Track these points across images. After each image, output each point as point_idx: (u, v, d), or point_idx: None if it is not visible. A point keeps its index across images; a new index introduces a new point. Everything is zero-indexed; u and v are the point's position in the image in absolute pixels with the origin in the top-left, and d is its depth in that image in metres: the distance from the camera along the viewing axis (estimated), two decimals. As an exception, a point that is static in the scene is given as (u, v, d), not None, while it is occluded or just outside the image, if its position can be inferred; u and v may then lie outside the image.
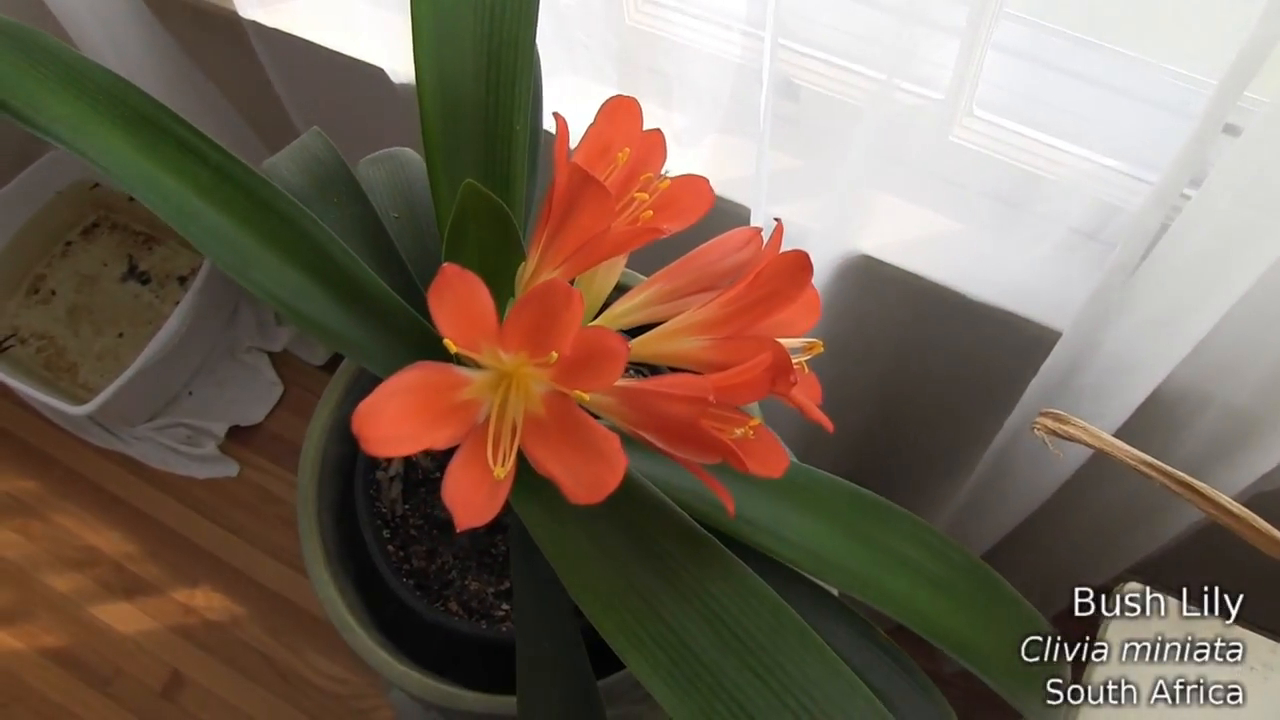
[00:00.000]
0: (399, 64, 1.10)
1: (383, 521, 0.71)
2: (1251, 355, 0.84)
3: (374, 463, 0.72)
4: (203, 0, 1.21)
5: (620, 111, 0.46)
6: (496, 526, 0.70)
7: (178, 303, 1.67)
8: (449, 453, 0.73)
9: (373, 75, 1.13)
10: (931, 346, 1.05)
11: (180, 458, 1.73)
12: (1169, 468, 0.47)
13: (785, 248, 0.95)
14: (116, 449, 1.75)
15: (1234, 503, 0.48)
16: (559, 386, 0.39)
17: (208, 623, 1.69)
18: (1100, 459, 0.96)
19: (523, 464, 0.41)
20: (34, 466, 1.79)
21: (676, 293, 0.48)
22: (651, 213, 0.45)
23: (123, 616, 1.70)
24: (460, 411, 0.40)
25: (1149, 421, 0.89)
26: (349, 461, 0.72)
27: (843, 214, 0.94)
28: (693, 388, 0.39)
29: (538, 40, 0.92)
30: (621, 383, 0.42)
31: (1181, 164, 0.72)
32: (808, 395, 0.46)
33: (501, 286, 0.47)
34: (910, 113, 0.91)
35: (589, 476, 0.38)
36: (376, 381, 0.75)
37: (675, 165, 1.00)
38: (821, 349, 0.46)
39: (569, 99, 1.00)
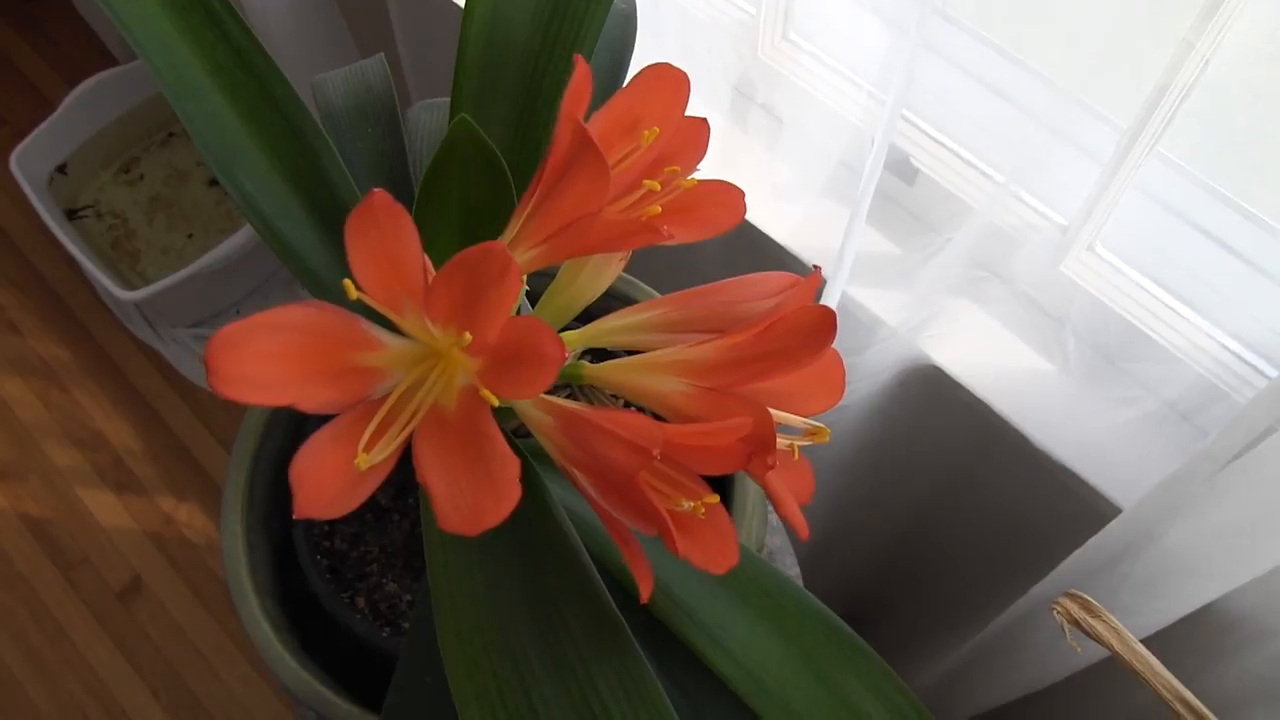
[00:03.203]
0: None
1: (320, 488, 0.64)
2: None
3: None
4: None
5: (663, 83, 0.39)
6: (437, 530, 0.63)
7: (253, 220, 1.65)
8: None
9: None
10: (978, 483, 0.95)
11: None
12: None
13: (847, 329, 0.87)
14: (152, 344, 1.74)
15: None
16: (477, 382, 0.32)
17: (183, 539, 1.65)
18: (1108, 667, 0.85)
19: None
20: (72, 337, 1.78)
21: (682, 324, 0.40)
22: (660, 210, 0.38)
23: (107, 508, 1.68)
24: (353, 376, 0.33)
25: (1189, 637, 0.78)
26: (294, 420, 0.66)
27: (923, 315, 0.85)
28: (639, 432, 0.31)
29: (655, 35, 0.86)
30: (567, 404, 0.35)
31: None
32: (794, 487, 0.38)
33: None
34: (1025, 228, 0.82)
35: (470, 500, 0.30)
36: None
37: (765, 218, 0.94)
38: (828, 438, 0.38)
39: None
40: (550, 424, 0.35)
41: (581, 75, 0.35)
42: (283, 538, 0.63)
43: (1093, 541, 0.79)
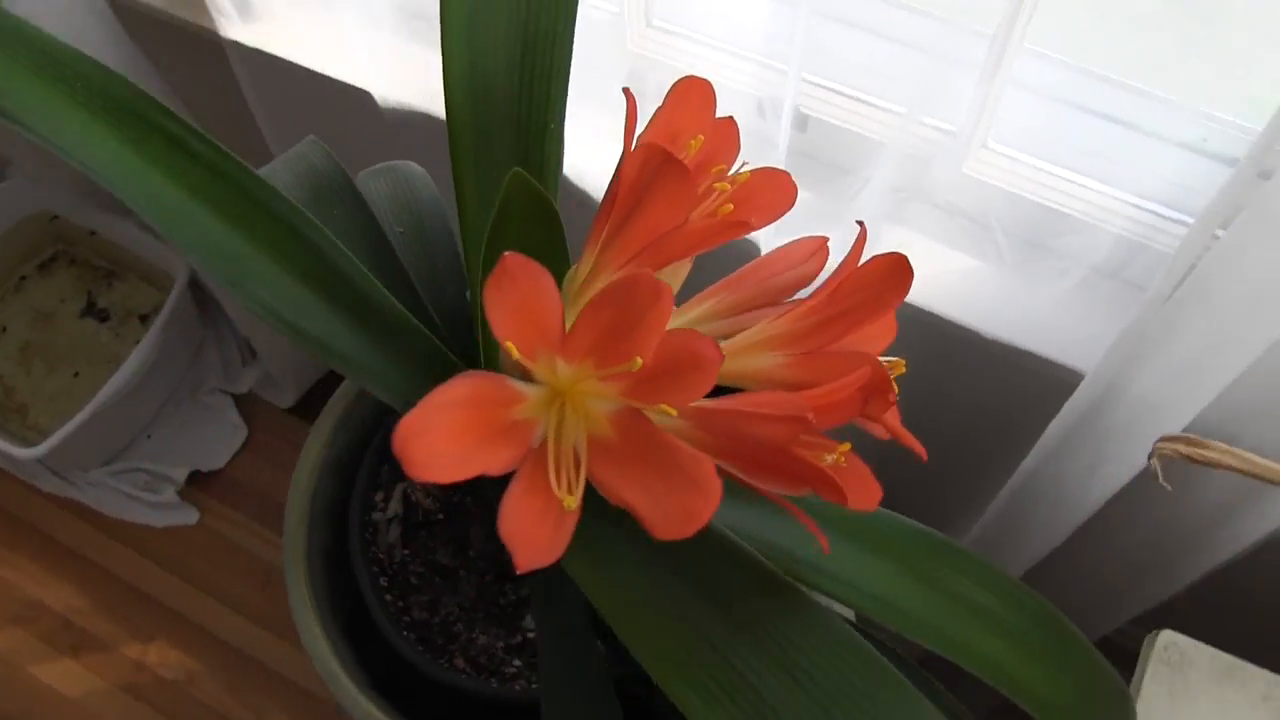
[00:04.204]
0: (387, 88, 1.06)
1: (380, 568, 0.64)
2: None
3: (369, 504, 0.65)
4: (180, 19, 1.15)
5: (692, 93, 0.41)
6: (506, 573, 0.64)
7: (138, 341, 1.59)
8: (451, 491, 0.67)
9: (358, 99, 1.08)
10: (944, 389, 1.01)
11: (137, 505, 1.64)
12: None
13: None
14: (69, 495, 1.66)
15: None
16: (632, 402, 0.34)
17: (161, 681, 1.59)
18: (1116, 504, 0.92)
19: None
20: (-24, 514, 1.69)
21: (738, 307, 0.43)
22: (732, 206, 0.40)
23: (68, 677, 1.59)
24: (516, 431, 0.34)
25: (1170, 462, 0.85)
26: (341, 502, 0.66)
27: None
28: (788, 406, 0.34)
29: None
30: (703, 403, 0.37)
31: (1219, 206, 0.70)
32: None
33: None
34: (927, 146, 0.88)
35: (676, 506, 0.33)
36: (371, 413, 0.69)
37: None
38: (904, 368, 0.41)
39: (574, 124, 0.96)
40: (682, 425, 0.37)
41: (631, 105, 0.38)
42: (350, 621, 0.64)
43: (1067, 406, 0.86)
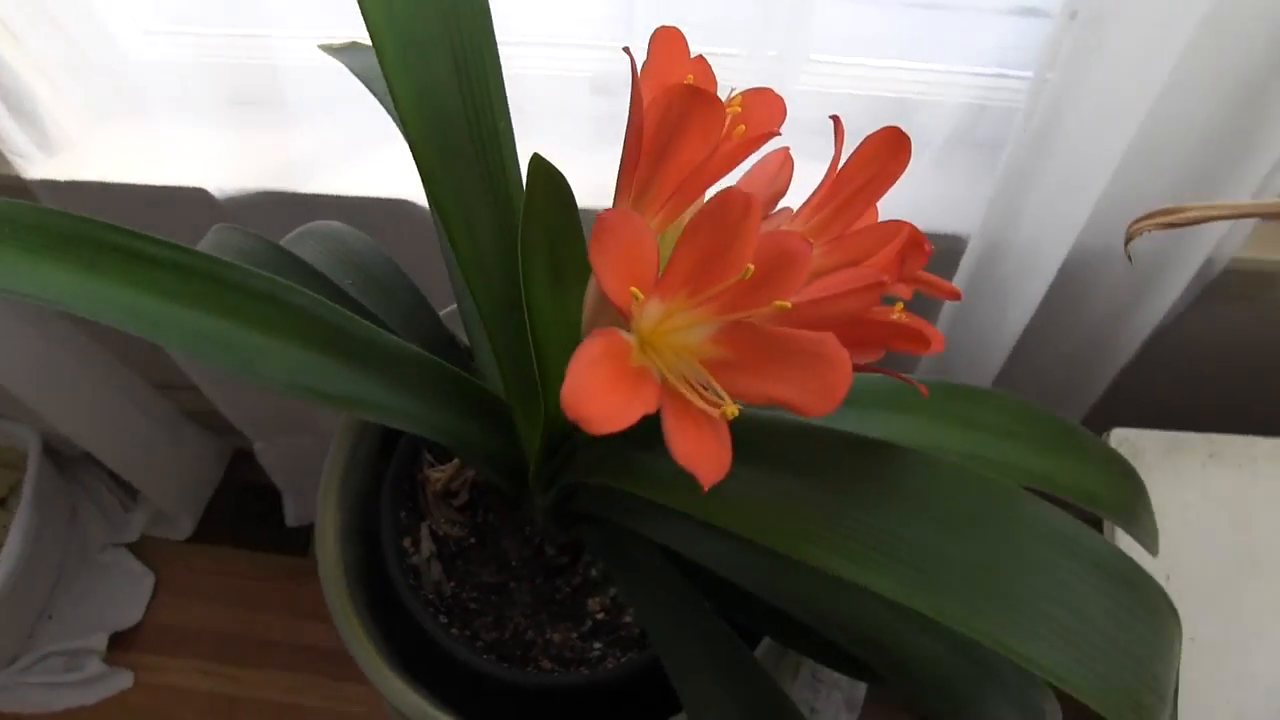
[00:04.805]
0: (223, 179, 1.03)
1: (434, 608, 0.64)
2: (1139, 206, 0.90)
3: (402, 551, 0.65)
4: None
5: (669, 41, 0.44)
6: (554, 570, 0.65)
7: (6, 527, 1.49)
8: (473, 513, 0.68)
9: (192, 198, 1.05)
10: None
11: (63, 689, 1.53)
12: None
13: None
14: (-20, 708, 1.54)
15: None
16: (734, 315, 0.37)
17: None
18: (1024, 338, 1.00)
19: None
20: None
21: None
22: (744, 127, 0.44)
23: None
24: (643, 375, 0.37)
25: (1068, 285, 0.94)
26: (367, 563, 0.66)
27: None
28: (864, 276, 0.38)
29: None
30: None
31: (1047, 54, 0.78)
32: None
33: (570, 278, 0.44)
34: (760, 75, 0.93)
35: (817, 384, 0.36)
36: (372, 469, 0.69)
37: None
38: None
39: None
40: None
41: (632, 60, 0.41)
42: (418, 659, 0.63)
43: (962, 266, 0.93)
